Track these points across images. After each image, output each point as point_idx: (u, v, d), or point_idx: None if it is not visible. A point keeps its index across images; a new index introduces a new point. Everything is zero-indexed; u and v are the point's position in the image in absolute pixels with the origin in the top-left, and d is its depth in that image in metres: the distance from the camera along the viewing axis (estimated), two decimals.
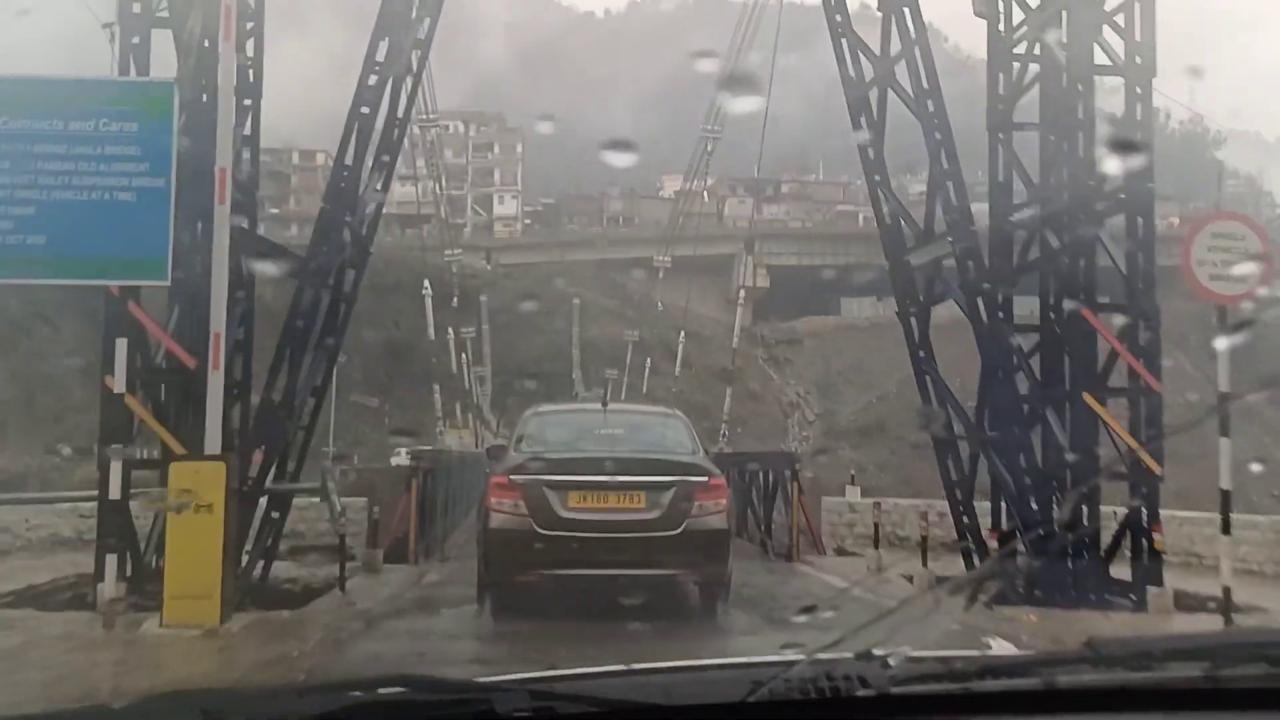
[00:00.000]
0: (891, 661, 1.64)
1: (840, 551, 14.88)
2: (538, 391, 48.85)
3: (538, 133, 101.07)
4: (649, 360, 56.75)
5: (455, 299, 45.89)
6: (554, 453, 8.40)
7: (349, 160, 9.97)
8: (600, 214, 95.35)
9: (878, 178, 11.26)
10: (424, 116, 29.13)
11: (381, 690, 1.63)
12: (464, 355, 49.96)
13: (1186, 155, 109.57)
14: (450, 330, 47.88)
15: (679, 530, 7.94)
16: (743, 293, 41.55)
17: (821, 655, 1.66)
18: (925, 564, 10.97)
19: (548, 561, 7.82)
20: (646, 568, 7.87)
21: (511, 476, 8.11)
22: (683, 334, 48.32)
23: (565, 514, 7.90)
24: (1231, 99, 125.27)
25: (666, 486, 8.01)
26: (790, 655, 1.67)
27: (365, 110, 10.02)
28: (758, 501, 15.29)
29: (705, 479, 8.20)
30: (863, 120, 11.34)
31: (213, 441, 8.34)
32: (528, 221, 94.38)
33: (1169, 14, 10.95)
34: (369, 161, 10.27)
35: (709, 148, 31.50)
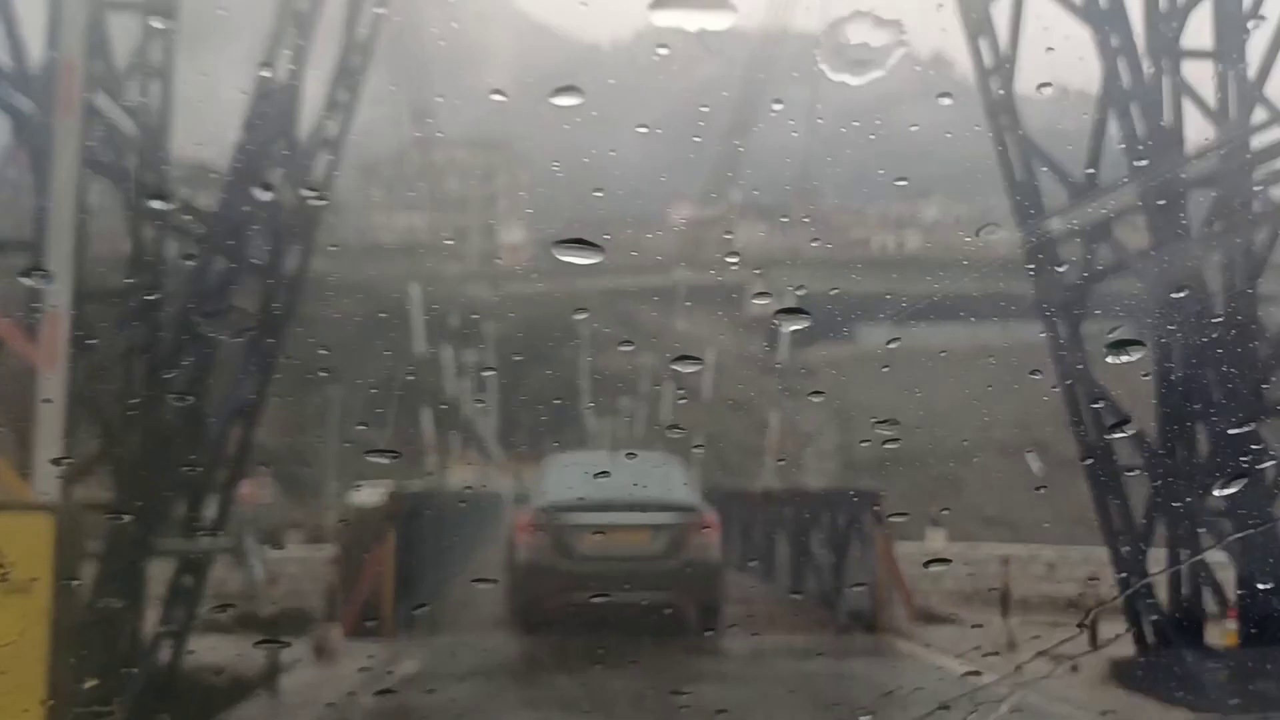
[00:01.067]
0: None
1: (930, 617, 11.72)
2: (545, 424, 46.06)
3: (543, 163, 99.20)
4: (664, 390, 53.83)
5: (456, 322, 43.01)
6: (572, 496, 9.28)
7: (283, 76, 7.05)
8: (607, 244, 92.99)
9: (1004, 119, 8.35)
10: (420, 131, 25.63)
11: None
12: (465, 384, 47.08)
13: None
14: (451, 358, 45.00)
15: (678, 562, 9.11)
16: (790, 301, 38.09)
17: None
18: (1094, 643, 7.86)
19: (567, 589, 8.81)
20: (651, 593, 8.85)
21: (537, 517, 9.41)
22: (704, 358, 45.12)
23: (582, 549, 9.09)
24: None
25: (667, 524, 9.22)
26: None
27: (304, 6, 7.13)
28: (819, 552, 12.23)
29: (699, 517, 9.46)
30: (981, 43, 8.45)
31: (45, 481, 5.36)
32: (534, 251, 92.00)
33: None
34: (308, 88, 7.39)
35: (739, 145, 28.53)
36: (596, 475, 9.82)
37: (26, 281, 6.33)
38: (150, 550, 6.74)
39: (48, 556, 5.05)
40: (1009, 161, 8.32)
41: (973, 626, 10.70)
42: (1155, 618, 7.92)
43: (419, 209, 54.17)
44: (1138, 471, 7.90)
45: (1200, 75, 8.71)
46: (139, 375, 7.51)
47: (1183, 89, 8.33)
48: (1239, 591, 7.34)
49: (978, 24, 8.37)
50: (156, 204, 7.40)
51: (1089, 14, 7.64)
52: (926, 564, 12.03)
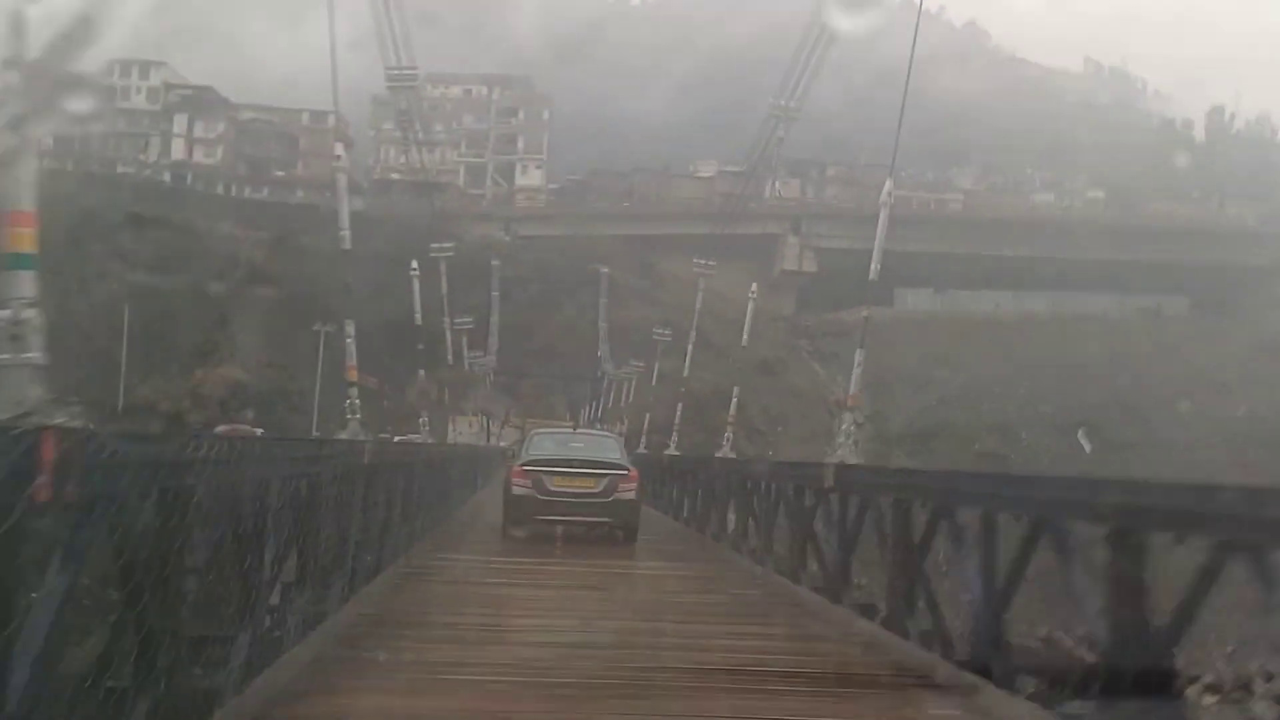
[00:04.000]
0: None
1: None
2: (558, 374, 42.39)
3: (565, 107, 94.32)
4: (685, 347, 50.18)
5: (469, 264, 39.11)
6: (547, 455, 14.79)
7: None
8: (630, 193, 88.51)
9: None
10: (396, 70, 19.98)
11: None
12: (465, 336, 43.25)
13: (1254, 156, 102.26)
14: (453, 306, 41.18)
15: (611, 499, 14.16)
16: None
17: None
18: None
19: (542, 513, 14.08)
20: (593, 517, 14.31)
21: (524, 466, 14.39)
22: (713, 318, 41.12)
23: (552, 488, 14.06)
24: None
25: (605, 475, 14.24)
26: None
27: None
28: None
29: (625, 472, 14.48)
30: None
31: None
32: (552, 196, 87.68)
33: None
34: None
35: (781, 132, 24.39)
36: (563, 442, 16.13)
37: None
38: None
39: None
40: None
41: None
42: None
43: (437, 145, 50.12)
44: None
45: None
46: None
47: None
48: None
49: None
50: None
51: None
52: None
